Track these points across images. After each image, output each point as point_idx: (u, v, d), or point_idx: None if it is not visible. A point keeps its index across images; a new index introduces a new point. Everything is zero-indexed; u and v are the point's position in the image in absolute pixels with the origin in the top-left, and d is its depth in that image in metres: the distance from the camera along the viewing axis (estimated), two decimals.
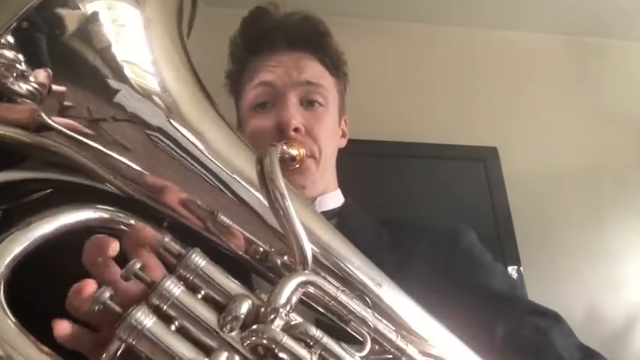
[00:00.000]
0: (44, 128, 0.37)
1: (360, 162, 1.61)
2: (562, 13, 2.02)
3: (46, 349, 0.32)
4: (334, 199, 0.81)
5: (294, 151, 0.66)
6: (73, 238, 0.38)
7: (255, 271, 0.46)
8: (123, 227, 0.40)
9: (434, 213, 1.65)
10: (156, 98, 0.41)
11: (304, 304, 0.41)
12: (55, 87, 0.36)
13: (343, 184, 0.85)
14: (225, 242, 0.44)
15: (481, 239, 0.76)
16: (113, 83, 0.38)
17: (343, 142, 0.88)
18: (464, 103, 1.95)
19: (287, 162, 0.65)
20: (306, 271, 0.38)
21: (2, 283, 0.33)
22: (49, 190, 0.45)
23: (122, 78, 0.39)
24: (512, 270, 1.64)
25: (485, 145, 1.85)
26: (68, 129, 0.38)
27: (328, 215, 0.76)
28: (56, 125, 0.37)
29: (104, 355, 0.32)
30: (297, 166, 0.68)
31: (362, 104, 1.63)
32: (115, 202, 0.41)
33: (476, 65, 2.03)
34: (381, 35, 2.01)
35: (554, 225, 1.79)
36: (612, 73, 2.12)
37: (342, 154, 0.87)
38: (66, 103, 0.37)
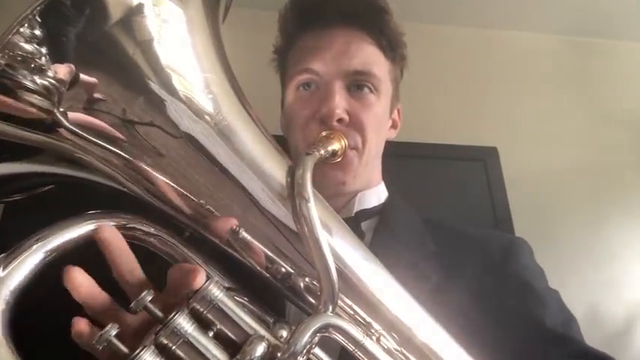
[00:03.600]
0: (56, 128, 0.34)
1: None
2: (562, 13, 2.02)
3: None
4: (376, 195, 0.75)
5: (335, 146, 0.59)
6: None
7: (276, 290, 0.43)
8: (142, 235, 0.38)
9: (434, 213, 1.63)
10: (195, 101, 0.38)
11: None
12: (84, 77, 0.33)
13: None
14: (246, 258, 0.40)
15: None
16: (148, 82, 0.35)
17: (393, 134, 0.81)
18: (464, 103, 1.94)
19: (328, 158, 0.57)
20: (330, 313, 0.35)
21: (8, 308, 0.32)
22: (50, 187, 0.42)
23: (160, 79, 0.36)
24: None
25: (485, 145, 1.84)
26: (88, 127, 0.34)
27: (369, 214, 0.71)
28: (70, 126, 0.34)
29: None
30: (339, 160, 0.61)
31: None
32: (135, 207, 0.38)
33: (476, 65, 2.03)
34: None
35: (554, 225, 1.78)
36: (612, 72, 2.12)
37: None
38: (96, 95, 0.34)
